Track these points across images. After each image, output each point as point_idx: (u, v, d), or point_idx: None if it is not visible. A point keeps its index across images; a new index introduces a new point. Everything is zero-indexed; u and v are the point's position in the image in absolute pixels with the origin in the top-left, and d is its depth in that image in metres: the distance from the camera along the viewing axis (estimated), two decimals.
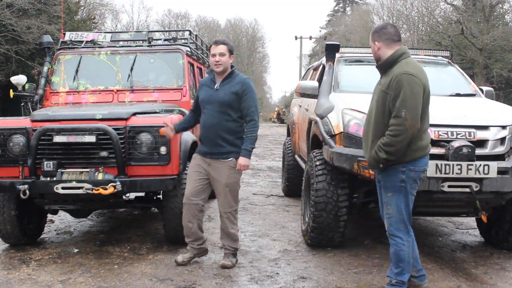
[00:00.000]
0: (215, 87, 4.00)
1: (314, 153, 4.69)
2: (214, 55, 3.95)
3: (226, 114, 3.94)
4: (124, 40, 5.96)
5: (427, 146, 3.35)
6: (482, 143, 3.97)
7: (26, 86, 5.33)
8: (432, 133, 3.93)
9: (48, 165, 4.13)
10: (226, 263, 4.14)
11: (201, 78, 6.32)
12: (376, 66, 3.46)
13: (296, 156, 6.88)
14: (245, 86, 3.98)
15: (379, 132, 3.29)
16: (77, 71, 5.45)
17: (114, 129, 4.13)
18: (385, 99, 3.26)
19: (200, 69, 6.58)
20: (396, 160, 3.25)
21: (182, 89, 5.38)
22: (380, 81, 3.43)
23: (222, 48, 3.95)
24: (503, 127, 4.07)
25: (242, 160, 3.96)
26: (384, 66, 3.38)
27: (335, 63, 5.54)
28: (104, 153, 4.19)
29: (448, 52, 6.07)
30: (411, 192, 3.35)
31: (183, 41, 6.03)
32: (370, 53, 5.99)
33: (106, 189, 4.02)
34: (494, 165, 3.81)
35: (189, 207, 4.06)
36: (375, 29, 3.49)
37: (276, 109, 48.57)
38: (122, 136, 4.16)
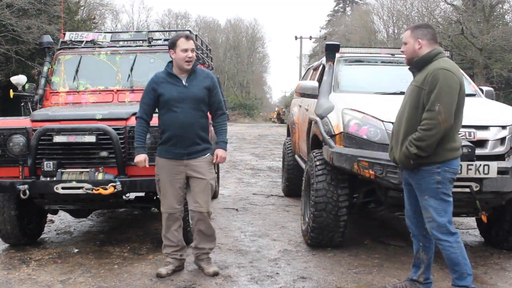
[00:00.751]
0: (184, 83, 3.78)
1: (314, 153, 4.69)
2: (185, 50, 3.70)
3: (200, 110, 3.79)
4: (124, 40, 5.95)
5: (459, 148, 3.28)
6: (482, 143, 3.97)
7: (26, 86, 5.33)
8: None
9: (48, 165, 4.13)
10: (215, 269, 3.96)
11: None
12: (411, 64, 3.39)
13: (296, 156, 6.88)
14: (213, 80, 3.91)
15: (412, 128, 3.22)
16: (77, 71, 5.45)
17: (114, 129, 4.12)
18: (419, 95, 3.20)
19: None
20: (429, 160, 3.18)
21: None
22: (414, 79, 3.36)
23: (193, 44, 3.76)
24: (503, 127, 4.07)
25: (222, 152, 3.91)
26: (420, 63, 3.30)
27: (335, 63, 5.55)
28: (104, 153, 4.19)
29: (448, 52, 6.07)
30: (448, 193, 3.25)
31: None
32: (370, 53, 6.04)
33: (106, 189, 4.02)
34: (494, 165, 3.81)
35: (173, 216, 3.87)
36: (419, 26, 3.40)
37: (276, 109, 48.54)
38: (122, 136, 4.16)
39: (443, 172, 3.21)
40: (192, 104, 3.75)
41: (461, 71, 3.25)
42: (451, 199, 3.27)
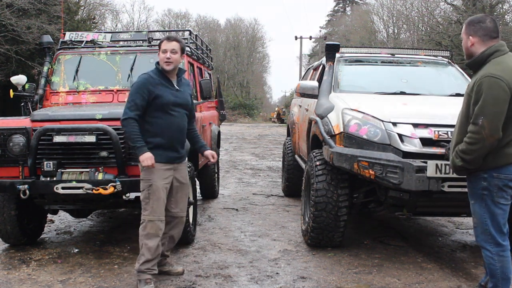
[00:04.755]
0: (176, 87, 3.73)
1: (314, 153, 4.69)
2: (165, 51, 3.63)
3: (187, 116, 3.83)
4: (124, 40, 5.95)
5: None
6: None
7: (26, 86, 5.33)
8: (432, 133, 3.93)
9: (48, 165, 4.13)
10: (182, 267, 4.02)
11: (201, 78, 6.32)
12: (467, 64, 3.13)
13: (296, 156, 6.88)
14: (191, 88, 4.00)
15: (461, 136, 3.03)
16: (77, 71, 5.45)
17: (114, 129, 4.12)
18: (469, 102, 2.96)
19: (200, 69, 6.58)
20: (477, 167, 2.99)
21: None
22: (468, 83, 3.10)
23: (174, 45, 3.66)
24: None
25: (213, 152, 3.99)
26: (474, 66, 3.04)
27: (335, 63, 5.55)
28: (104, 153, 4.18)
29: (448, 52, 6.07)
30: (498, 201, 3.00)
31: None
32: (370, 53, 6.04)
33: (106, 189, 4.02)
34: None
35: (159, 224, 3.66)
36: (471, 21, 3.08)
37: (276, 109, 48.50)
38: (122, 136, 4.16)
39: (491, 178, 2.97)
40: (185, 109, 3.79)
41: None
42: (503, 207, 3.02)
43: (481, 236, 3.08)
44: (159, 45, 3.72)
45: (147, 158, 3.53)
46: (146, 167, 3.55)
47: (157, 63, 3.74)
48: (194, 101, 5.61)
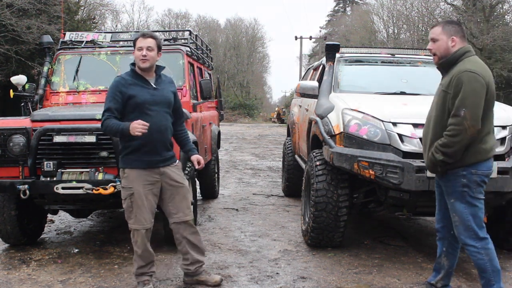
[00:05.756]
0: (153, 86, 3.52)
1: (314, 153, 4.69)
2: (140, 49, 3.44)
3: (169, 115, 3.59)
4: (124, 40, 5.95)
5: (491, 150, 3.15)
6: None
7: (26, 86, 5.33)
8: None
9: (48, 165, 4.13)
10: (219, 277, 3.82)
11: (201, 78, 6.32)
12: (438, 66, 3.26)
13: (296, 156, 6.88)
14: (175, 86, 3.73)
15: (439, 134, 3.13)
16: (77, 71, 5.45)
17: None
18: (445, 99, 3.09)
19: (200, 69, 6.58)
20: (456, 164, 3.08)
21: (182, 89, 5.37)
22: (441, 82, 3.24)
23: (150, 42, 3.46)
24: (503, 127, 4.07)
25: (200, 157, 3.74)
26: (446, 65, 3.19)
27: (335, 63, 5.55)
28: (104, 153, 4.18)
29: None
30: (477, 197, 3.13)
31: (183, 41, 6.03)
32: (370, 53, 6.04)
33: (106, 189, 4.02)
34: (494, 165, 3.80)
35: (149, 231, 3.55)
36: (450, 22, 3.25)
37: (276, 109, 48.51)
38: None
39: (470, 175, 3.09)
40: (165, 108, 3.54)
41: (490, 71, 3.13)
42: (481, 202, 3.15)
43: (464, 233, 3.16)
44: (134, 43, 3.52)
45: (134, 127, 3.27)
46: (141, 132, 3.26)
47: (132, 64, 3.55)
48: (194, 101, 5.64)
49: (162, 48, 3.66)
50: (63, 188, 4.06)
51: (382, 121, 4.08)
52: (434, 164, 3.14)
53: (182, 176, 3.70)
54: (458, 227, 3.17)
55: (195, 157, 3.73)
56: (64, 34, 5.84)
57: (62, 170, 4.16)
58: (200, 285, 3.75)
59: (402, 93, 5.06)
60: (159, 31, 11.12)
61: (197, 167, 3.73)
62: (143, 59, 3.44)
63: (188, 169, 4.61)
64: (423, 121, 4.04)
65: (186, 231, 3.65)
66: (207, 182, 6.84)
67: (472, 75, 3.00)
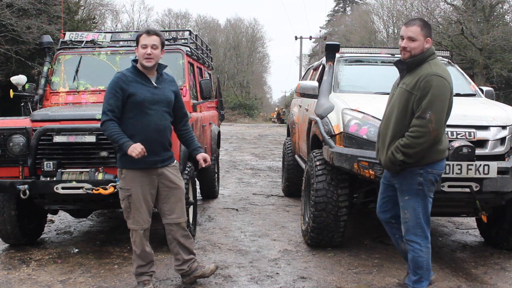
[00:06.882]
0: (154, 84, 3.48)
1: (314, 153, 4.69)
2: (145, 47, 3.37)
3: (169, 114, 3.55)
4: (124, 40, 5.95)
5: (445, 150, 3.25)
6: (482, 143, 3.97)
7: (26, 86, 5.33)
8: None
9: (48, 165, 4.13)
10: (214, 265, 3.86)
11: (201, 78, 6.32)
12: (407, 62, 3.23)
13: (296, 156, 6.88)
14: (176, 85, 3.68)
15: (399, 133, 3.16)
16: (77, 71, 5.45)
17: None
18: (409, 100, 3.12)
19: (200, 69, 6.58)
20: (414, 162, 3.14)
21: (182, 89, 5.37)
22: (403, 81, 3.24)
23: (155, 40, 3.40)
24: (503, 127, 4.07)
25: (206, 155, 3.68)
26: (412, 65, 3.20)
27: (335, 63, 5.55)
28: (104, 153, 4.19)
29: (448, 52, 6.07)
30: (429, 195, 3.25)
31: (183, 41, 6.03)
32: (370, 53, 6.04)
33: (106, 189, 4.02)
34: (494, 165, 3.81)
35: (147, 231, 3.55)
36: (427, 23, 3.26)
37: (276, 109, 48.49)
38: None
39: (426, 174, 3.18)
40: (165, 107, 3.49)
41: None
42: (430, 201, 3.27)
43: (412, 230, 3.25)
44: (137, 40, 3.44)
45: (134, 148, 3.25)
46: (139, 156, 3.25)
47: (134, 60, 3.49)
48: (194, 101, 5.64)
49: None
50: (63, 188, 4.06)
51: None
52: (393, 163, 3.19)
53: (179, 177, 3.68)
54: (408, 224, 3.26)
55: (201, 156, 3.67)
56: (64, 34, 5.84)
57: (62, 170, 4.16)
58: (199, 284, 3.75)
59: None
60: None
61: (203, 165, 3.68)
62: (148, 57, 3.38)
63: (188, 169, 4.61)
64: None
65: (178, 233, 3.62)
66: (207, 182, 6.84)
67: (441, 79, 3.06)
